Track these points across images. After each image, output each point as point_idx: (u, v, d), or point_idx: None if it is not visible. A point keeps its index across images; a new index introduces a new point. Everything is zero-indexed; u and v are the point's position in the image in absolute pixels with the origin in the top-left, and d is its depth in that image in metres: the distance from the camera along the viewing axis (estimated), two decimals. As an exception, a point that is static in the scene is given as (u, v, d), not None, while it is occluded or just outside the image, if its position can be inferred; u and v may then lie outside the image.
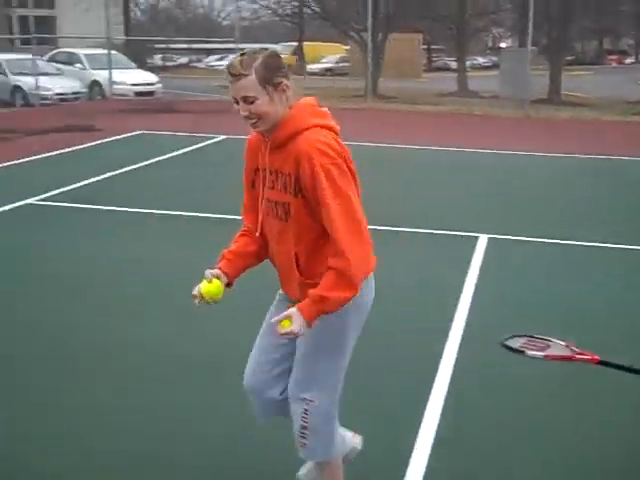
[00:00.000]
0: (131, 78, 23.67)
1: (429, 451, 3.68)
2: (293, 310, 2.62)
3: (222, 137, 14.51)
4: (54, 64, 24.00)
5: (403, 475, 3.45)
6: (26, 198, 8.92)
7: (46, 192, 9.27)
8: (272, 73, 2.64)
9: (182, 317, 5.28)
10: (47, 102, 20.66)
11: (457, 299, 5.82)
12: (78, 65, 24.38)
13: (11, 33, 44.67)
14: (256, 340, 3.05)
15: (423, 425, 3.91)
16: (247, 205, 2.98)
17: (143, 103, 21.03)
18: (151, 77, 25.03)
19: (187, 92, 25.14)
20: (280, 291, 3.02)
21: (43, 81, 20.68)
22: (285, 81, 2.68)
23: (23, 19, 43.79)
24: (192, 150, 13.09)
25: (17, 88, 21.74)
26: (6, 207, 8.55)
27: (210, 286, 2.82)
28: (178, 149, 12.92)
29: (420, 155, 13.18)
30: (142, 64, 30.92)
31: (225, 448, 3.64)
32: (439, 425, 3.92)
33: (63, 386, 4.28)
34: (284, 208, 2.75)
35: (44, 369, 4.48)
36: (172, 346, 4.87)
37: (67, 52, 25.66)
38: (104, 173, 10.53)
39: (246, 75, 2.60)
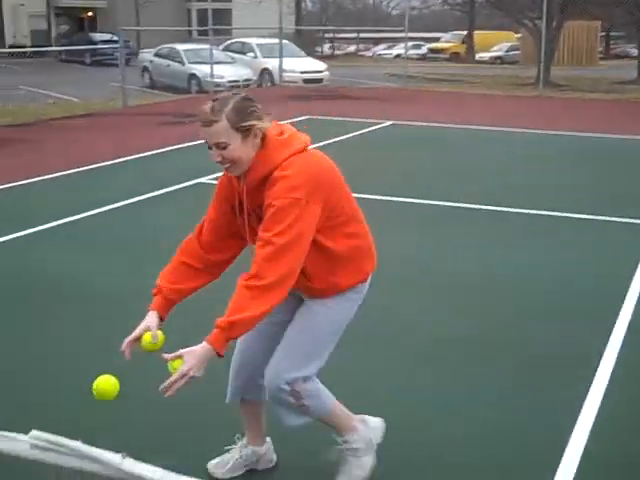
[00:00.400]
0: (300, 66, 24.02)
1: (587, 435, 3.49)
2: (185, 350, 2.53)
3: (389, 123, 14.43)
4: (228, 53, 24.77)
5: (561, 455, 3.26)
6: (197, 177, 9.22)
7: (214, 173, 9.55)
8: (243, 117, 2.61)
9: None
10: (220, 89, 21.32)
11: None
12: (250, 54, 25.02)
13: (190, 25, 46.52)
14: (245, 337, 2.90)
15: (585, 407, 3.69)
16: (211, 222, 2.91)
17: (311, 90, 21.33)
18: (320, 65, 25.30)
19: (355, 79, 25.25)
20: None
21: (217, 69, 21.36)
22: (258, 124, 2.64)
23: (201, 12, 45.44)
24: (359, 134, 13.10)
25: (192, 76, 22.63)
26: (180, 185, 8.89)
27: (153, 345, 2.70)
28: (345, 134, 12.96)
29: (599, 143, 12.57)
30: (311, 53, 31.38)
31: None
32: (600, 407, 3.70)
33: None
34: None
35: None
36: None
37: (240, 42, 26.38)
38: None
39: (217, 121, 2.59)
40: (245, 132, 2.62)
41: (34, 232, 6.90)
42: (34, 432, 1.34)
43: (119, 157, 10.63)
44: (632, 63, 29.77)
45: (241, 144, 2.62)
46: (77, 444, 1.29)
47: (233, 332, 2.54)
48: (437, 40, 48.50)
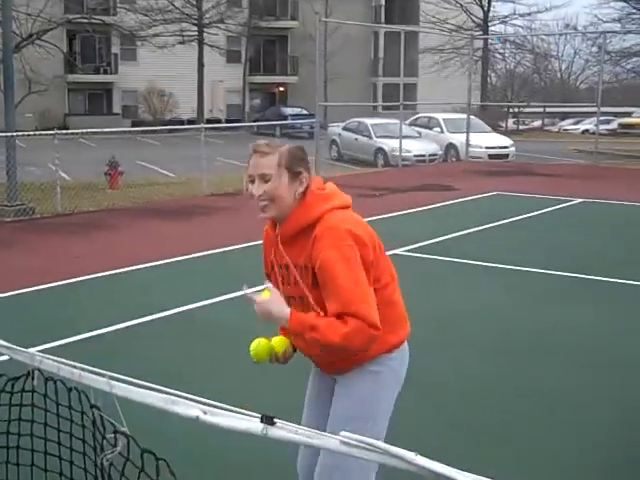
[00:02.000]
0: (486, 141, 24.23)
1: None
2: (277, 297, 2.60)
3: (578, 200, 14.32)
4: (414, 127, 25.42)
5: None
6: (395, 248, 9.64)
7: (410, 244, 9.91)
8: (294, 161, 2.63)
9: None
10: (406, 163, 21.91)
11: None
12: (436, 129, 25.53)
13: (375, 99, 47.94)
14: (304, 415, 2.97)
15: None
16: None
17: (497, 165, 21.46)
18: (505, 140, 25.40)
19: (541, 155, 25.12)
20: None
21: (404, 143, 22.01)
22: (305, 174, 2.65)
23: (386, 87, 46.86)
24: (546, 212, 13.10)
25: (379, 150, 23.40)
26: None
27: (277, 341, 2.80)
28: (531, 211, 13.00)
29: None
30: (495, 127, 31.52)
31: None
32: None
33: None
34: (302, 302, 2.68)
35: None
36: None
37: (427, 117, 27.00)
38: (460, 230, 10.98)
39: (269, 154, 2.61)
40: (292, 175, 2.63)
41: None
42: (344, 432, 1.71)
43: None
44: None
45: (285, 184, 2.62)
46: (378, 442, 1.67)
47: (308, 332, 2.53)
48: (629, 115, 47.25)
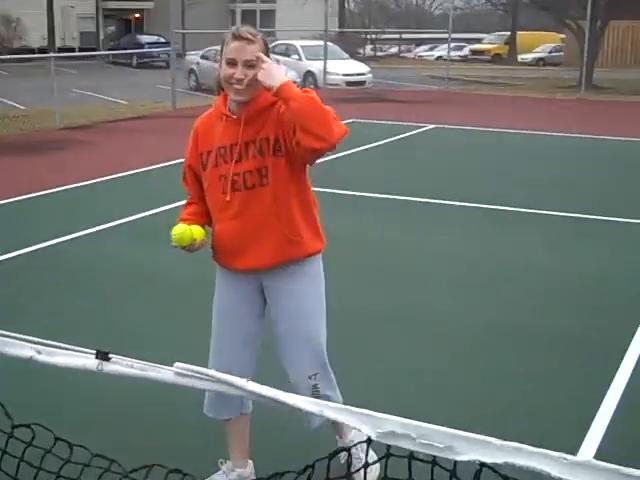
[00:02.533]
0: (343, 68, 24.39)
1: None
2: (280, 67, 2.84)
3: (431, 126, 14.77)
4: (273, 55, 25.12)
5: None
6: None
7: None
8: (267, 50, 2.89)
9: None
10: (265, 91, 21.74)
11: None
12: (294, 56, 25.45)
13: (234, 26, 47.07)
14: (219, 326, 3.09)
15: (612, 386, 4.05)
16: (191, 182, 3.11)
17: (354, 92, 21.72)
18: (362, 67, 25.64)
19: (397, 82, 25.56)
20: (225, 270, 3.07)
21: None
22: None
23: (246, 13, 46.12)
24: (402, 138, 13.46)
25: (239, 79, 23.10)
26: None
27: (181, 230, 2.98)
28: (388, 137, 13.33)
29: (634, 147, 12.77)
30: (353, 54, 31.73)
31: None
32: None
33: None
34: (259, 174, 2.88)
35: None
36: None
37: (285, 44, 26.83)
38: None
39: (254, 42, 2.82)
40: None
41: (101, 229, 7.43)
42: (178, 363, 1.79)
43: (174, 159, 11.11)
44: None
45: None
46: (212, 372, 1.76)
47: (307, 95, 2.71)
48: (479, 41, 48.56)
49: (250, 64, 2.79)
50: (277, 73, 2.76)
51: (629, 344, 4.81)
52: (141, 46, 36.79)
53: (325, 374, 3.05)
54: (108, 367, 1.94)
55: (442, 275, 6.20)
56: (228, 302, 3.08)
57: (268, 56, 2.85)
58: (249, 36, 2.81)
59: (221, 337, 3.08)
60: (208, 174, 2.98)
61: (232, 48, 2.82)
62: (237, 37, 2.81)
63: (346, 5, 45.73)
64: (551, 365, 4.57)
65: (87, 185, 9.49)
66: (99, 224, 7.57)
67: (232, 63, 2.81)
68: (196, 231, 2.98)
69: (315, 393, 2.98)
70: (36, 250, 6.80)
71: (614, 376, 4.36)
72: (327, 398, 2.90)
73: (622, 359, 4.59)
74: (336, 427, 3.21)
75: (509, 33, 44.84)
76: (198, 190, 3.08)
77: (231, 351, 3.05)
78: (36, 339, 1.96)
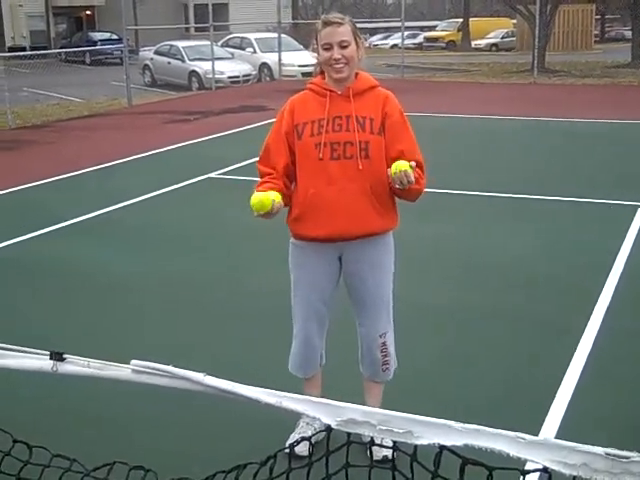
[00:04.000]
0: (299, 59, 24.34)
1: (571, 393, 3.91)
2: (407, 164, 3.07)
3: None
4: (227, 49, 25.10)
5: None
6: (208, 172, 9.62)
7: (223, 168, 9.94)
8: (357, 29, 3.21)
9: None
10: (221, 85, 21.67)
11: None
12: (249, 49, 25.34)
13: (187, 20, 46.75)
14: (302, 293, 3.36)
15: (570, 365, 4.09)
16: (278, 155, 3.27)
17: (311, 83, 21.61)
18: (318, 58, 25.57)
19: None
20: (304, 242, 3.30)
21: (217, 65, 21.70)
22: (361, 41, 3.22)
23: (198, 7, 45.71)
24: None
25: (193, 73, 22.98)
26: (192, 180, 9.32)
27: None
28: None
29: (586, 127, 12.93)
30: (308, 45, 31.63)
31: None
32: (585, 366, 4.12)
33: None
34: (360, 146, 3.15)
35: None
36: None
37: (239, 37, 26.70)
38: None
39: (343, 24, 3.14)
40: (357, 42, 3.19)
41: (54, 229, 7.31)
42: (134, 361, 1.75)
43: (129, 156, 11.01)
44: (627, 46, 30.07)
45: (356, 48, 3.18)
46: (169, 367, 1.72)
47: (415, 194, 3.22)
48: (433, 28, 48.77)
49: (344, 44, 3.12)
50: (410, 178, 3.04)
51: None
52: (94, 43, 36.34)
53: (391, 332, 3.42)
54: (63, 367, 1.91)
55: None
56: (313, 276, 3.32)
57: (357, 32, 3.19)
58: (338, 20, 3.15)
59: (306, 310, 3.35)
60: (304, 142, 3.20)
61: (325, 33, 3.14)
62: (327, 23, 3.14)
63: (299, -4, 45.61)
64: (509, 346, 4.61)
65: (39, 185, 9.35)
66: (50, 225, 7.44)
67: (328, 47, 3.13)
68: (276, 196, 3.11)
69: (384, 351, 3.38)
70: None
71: (572, 355, 4.42)
72: (391, 356, 3.42)
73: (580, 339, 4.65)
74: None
75: (461, 20, 45.10)
76: (286, 161, 3.25)
77: (316, 322, 3.37)
78: (-12, 342, 1.93)
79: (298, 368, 3.48)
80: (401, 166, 3.04)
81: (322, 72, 3.27)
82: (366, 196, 3.17)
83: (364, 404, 3.48)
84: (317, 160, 3.15)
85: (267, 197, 3.07)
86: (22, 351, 1.95)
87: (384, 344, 3.38)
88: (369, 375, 3.50)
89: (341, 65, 3.13)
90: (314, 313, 3.35)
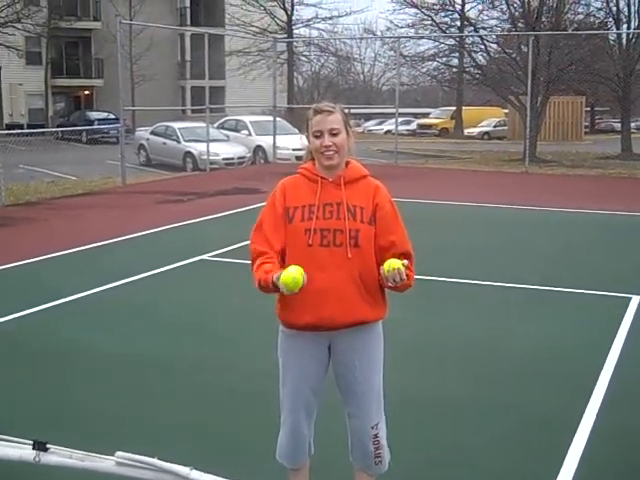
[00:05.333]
0: (293, 143, 24.64)
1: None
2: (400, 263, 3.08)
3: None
4: (223, 131, 25.43)
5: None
6: (200, 254, 9.59)
7: (217, 250, 9.92)
8: (348, 119, 3.29)
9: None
10: (215, 167, 21.87)
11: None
12: (244, 132, 25.67)
13: (183, 102, 47.53)
14: (292, 383, 3.29)
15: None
16: (276, 234, 3.23)
17: (305, 167, 21.81)
18: (313, 142, 25.88)
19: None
20: (293, 332, 3.25)
21: (212, 147, 21.94)
22: (351, 130, 3.28)
23: (195, 90, 46.49)
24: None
25: (188, 154, 23.22)
26: (184, 262, 9.26)
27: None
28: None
29: (579, 218, 13.03)
30: (303, 129, 32.09)
31: None
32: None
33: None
34: (350, 234, 3.16)
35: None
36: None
37: (235, 119, 27.09)
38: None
39: (334, 112, 3.20)
40: (348, 131, 3.25)
41: (48, 307, 7.24)
42: (119, 452, 1.67)
43: (122, 235, 10.99)
44: (617, 138, 30.65)
45: (346, 137, 3.23)
46: (154, 460, 1.63)
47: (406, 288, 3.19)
48: (426, 116, 49.67)
49: (334, 132, 3.18)
50: (402, 276, 3.05)
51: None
52: (91, 122, 36.85)
53: (382, 423, 3.36)
54: (46, 458, 1.84)
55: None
56: (302, 365, 3.28)
57: (348, 121, 3.26)
58: (329, 108, 3.21)
59: (295, 399, 3.29)
60: (294, 227, 3.21)
61: (316, 121, 3.19)
62: (318, 111, 3.20)
63: (295, 81, 46.51)
64: (503, 435, 4.51)
65: (32, 263, 9.29)
66: (45, 303, 7.38)
67: (319, 134, 3.18)
68: (300, 271, 3.01)
69: (376, 443, 3.31)
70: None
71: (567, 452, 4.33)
72: (384, 448, 3.34)
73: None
74: None
75: (454, 108, 45.97)
76: (283, 241, 3.23)
77: (304, 412, 3.31)
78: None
79: (285, 458, 3.41)
80: (394, 264, 3.03)
81: (313, 158, 3.30)
82: (355, 284, 3.16)
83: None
84: (306, 246, 3.16)
85: (299, 272, 2.98)
86: (4, 439, 1.88)
87: (376, 436, 3.31)
88: (361, 467, 3.41)
89: (331, 152, 3.18)
90: (303, 402, 3.29)
